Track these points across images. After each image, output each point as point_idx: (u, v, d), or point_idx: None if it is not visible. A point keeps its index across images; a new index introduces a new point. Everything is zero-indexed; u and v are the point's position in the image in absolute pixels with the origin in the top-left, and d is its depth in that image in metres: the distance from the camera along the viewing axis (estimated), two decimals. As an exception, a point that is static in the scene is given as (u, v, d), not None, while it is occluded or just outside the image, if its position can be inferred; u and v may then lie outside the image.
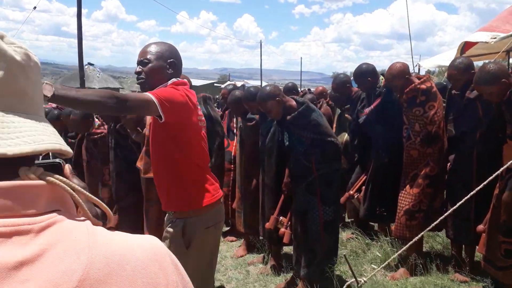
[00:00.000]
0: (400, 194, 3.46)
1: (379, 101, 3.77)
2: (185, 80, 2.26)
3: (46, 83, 1.60)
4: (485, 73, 2.83)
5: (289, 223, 3.40)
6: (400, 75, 3.38)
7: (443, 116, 3.38)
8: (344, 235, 4.42)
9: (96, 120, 4.27)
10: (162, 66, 2.15)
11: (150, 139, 2.24)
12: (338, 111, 4.76)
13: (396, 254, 2.79)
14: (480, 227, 2.98)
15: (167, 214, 2.29)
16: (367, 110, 3.85)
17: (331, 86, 4.45)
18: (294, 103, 3.23)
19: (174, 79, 2.16)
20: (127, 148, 3.72)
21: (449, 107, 3.43)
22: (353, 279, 2.85)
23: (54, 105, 13.78)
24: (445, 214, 2.58)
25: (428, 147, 3.32)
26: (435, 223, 2.45)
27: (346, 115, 4.46)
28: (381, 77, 4.16)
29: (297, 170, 3.27)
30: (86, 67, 24.97)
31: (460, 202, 2.40)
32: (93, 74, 29.57)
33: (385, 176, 3.75)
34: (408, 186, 3.42)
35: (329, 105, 5.26)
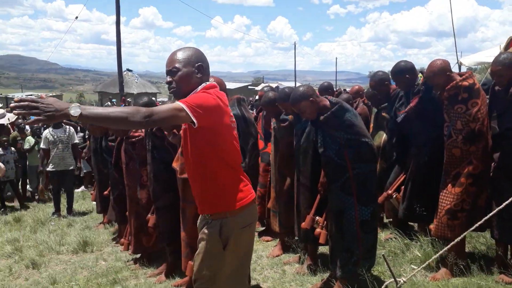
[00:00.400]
0: (441, 193, 3.36)
1: (418, 98, 3.68)
2: (215, 83, 2.28)
3: (73, 104, 1.68)
4: None
5: (325, 222, 3.37)
6: (441, 72, 3.29)
7: (487, 113, 3.26)
8: (382, 235, 4.34)
9: None
10: (191, 71, 2.17)
11: (183, 143, 2.28)
12: (375, 110, 4.68)
13: (437, 255, 2.70)
14: None
15: (201, 216, 2.31)
16: (405, 108, 3.77)
17: (368, 84, 4.37)
18: (327, 103, 3.21)
19: (204, 83, 2.18)
20: (163, 150, 3.80)
21: (493, 104, 3.31)
22: (392, 280, 2.79)
23: None
24: (490, 214, 2.48)
25: (472, 145, 3.22)
26: (479, 223, 2.37)
27: (383, 114, 4.38)
28: (420, 74, 4.06)
29: (331, 170, 3.24)
30: (124, 73, 25.69)
31: (506, 202, 2.30)
32: (132, 80, 30.37)
33: (425, 174, 3.65)
34: (450, 185, 3.31)
35: (365, 104, 5.19)
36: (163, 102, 3.62)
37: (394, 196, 3.91)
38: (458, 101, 3.23)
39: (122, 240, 4.71)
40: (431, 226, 3.46)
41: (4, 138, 7.80)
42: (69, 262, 4.68)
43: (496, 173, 3.29)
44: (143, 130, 4.07)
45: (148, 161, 3.90)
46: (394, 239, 4.05)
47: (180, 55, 2.19)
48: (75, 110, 1.68)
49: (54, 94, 39.73)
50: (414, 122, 3.69)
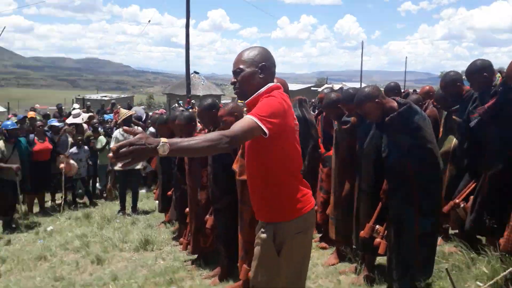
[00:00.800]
0: None
1: (495, 100, 3.35)
2: (279, 84, 2.26)
3: (162, 142, 1.71)
4: None
5: (385, 232, 3.18)
6: None
7: None
8: (446, 247, 4.02)
9: (199, 124, 4.43)
10: (254, 72, 2.17)
11: (246, 148, 2.27)
12: (445, 112, 4.35)
13: (507, 272, 2.42)
14: None
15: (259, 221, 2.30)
16: (480, 110, 3.43)
17: (439, 85, 4.06)
18: (395, 104, 3.02)
19: (268, 85, 2.18)
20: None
21: None
22: None
23: (163, 110, 14.57)
24: None
25: None
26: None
27: (454, 117, 4.04)
28: (498, 74, 3.70)
29: (394, 177, 3.06)
30: (192, 75, 26.48)
31: None
32: (198, 82, 31.24)
33: (498, 184, 3.31)
34: None
35: (435, 107, 4.85)
36: (226, 104, 3.69)
37: (462, 205, 3.59)
38: None
39: (181, 239, 4.79)
40: (501, 240, 3.14)
41: (79, 137, 8.26)
42: (130, 260, 4.82)
43: None
44: (205, 130, 4.12)
45: (209, 162, 3.92)
46: (459, 252, 3.73)
47: (245, 56, 2.21)
48: (163, 149, 1.71)
49: (126, 95, 41.87)
50: (490, 127, 3.37)
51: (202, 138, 1.84)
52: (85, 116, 10.57)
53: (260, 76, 2.18)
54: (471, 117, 3.58)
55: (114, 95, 41.35)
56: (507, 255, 3.23)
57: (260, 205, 2.23)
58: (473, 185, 3.61)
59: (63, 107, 16.17)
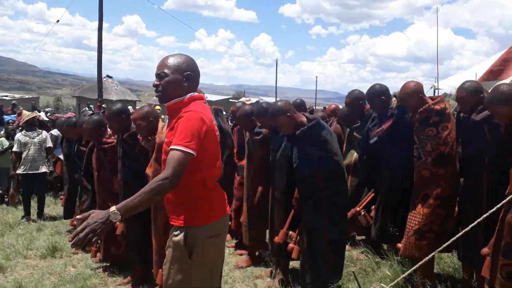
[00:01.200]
0: (410, 214, 3.43)
1: (391, 122, 3.79)
2: (202, 94, 2.32)
3: (111, 212, 1.86)
4: (498, 93, 2.83)
5: (298, 238, 3.42)
6: (414, 94, 3.38)
7: (456, 138, 3.38)
8: (354, 253, 4.41)
9: (109, 130, 4.33)
10: (178, 79, 2.20)
11: (164, 157, 2.25)
12: (348, 129, 4.79)
13: (406, 274, 2.78)
14: (485, 250, 2.95)
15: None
16: (378, 130, 3.87)
17: (344, 100, 4.45)
18: (304, 119, 3.29)
19: (190, 94, 2.22)
20: (133, 158, 3.78)
21: (458, 130, 3.41)
22: None
23: (71, 114, 13.74)
24: (455, 237, 2.57)
25: (440, 168, 3.30)
26: (445, 244, 2.45)
27: (355, 134, 4.49)
28: (394, 98, 4.18)
29: (305, 187, 3.29)
30: (104, 79, 25.45)
31: (468, 227, 2.37)
32: (111, 87, 30.08)
33: (398, 196, 3.72)
34: (419, 205, 3.39)
35: (338, 123, 5.31)
36: (141, 107, 3.59)
37: (362, 213, 3.98)
38: (429, 124, 3.31)
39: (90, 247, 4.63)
40: (399, 245, 3.53)
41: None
42: (37, 267, 4.58)
43: (461, 198, 3.40)
44: (115, 136, 4.05)
45: (119, 168, 3.86)
46: (365, 257, 4.12)
47: (171, 61, 2.22)
48: (115, 217, 1.86)
49: (31, 96, 38.91)
50: (387, 145, 3.77)
51: (146, 190, 1.94)
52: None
53: (184, 84, 2.20)
54: (370, 134, 4.01)
55: (17, 95, 38.23)
56: (406, 259, 3.65)
57: (174, 210, 2.26)
58: (372, 195, 4.03)
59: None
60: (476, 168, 3.20)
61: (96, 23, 21.80)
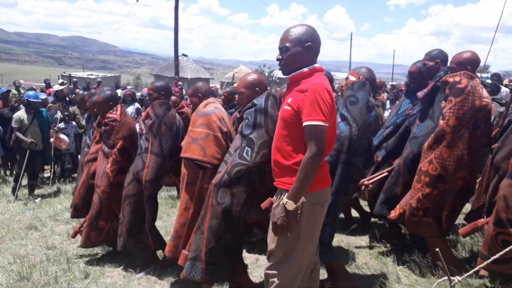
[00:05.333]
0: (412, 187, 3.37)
1: (432, 84, 3.54)
2: (321, 66, 2.34)
3: (283, 203, 2.17)
4: None
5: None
6: (466, 63, 3.24)
7: (465, 119, 3.10)
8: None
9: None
10: (300, 51, 2.25)
11: (281, 123, 2.31)
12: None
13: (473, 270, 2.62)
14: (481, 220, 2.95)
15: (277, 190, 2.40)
16: (418, 93, 3.61)
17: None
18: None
19: (313, 66, 2.27)
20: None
21: None
22: (446, 277, 2.73)
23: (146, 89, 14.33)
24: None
25: (434, 143, 3.19)
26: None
27: None
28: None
29: None
30: (180, 57, 26.33)
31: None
32: (187, 65, 31.05)
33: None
34: (415, 178, 3.32)
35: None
36: (216, 89, 3.63)
37: (369, 188, 3.73)
38: (444, 96, 3.21)
39: (76, 226, 4.43)
40: (392, 214, 3.49)
41: (66, 113, 8.28)
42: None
43: None
44: (118, 113, 4.03)
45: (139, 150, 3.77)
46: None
47: (292, 34, 2.26)
48: (291, 206, 2.16)
49: (113, 75, 41.35)
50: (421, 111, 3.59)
51: (302, 174, 2.13)
52: (57, 87, 10.72)
53: (305, 55, 2.25)
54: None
55: (101, 74, 40.84)
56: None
57: (283, 174, 2.29)
58: (385, 174, 3.83)
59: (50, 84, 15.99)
60: None
61: (173, 3, 22.47)
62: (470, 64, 3.23)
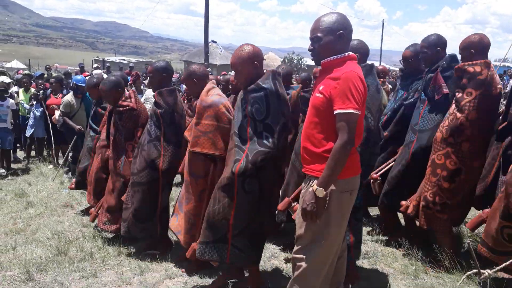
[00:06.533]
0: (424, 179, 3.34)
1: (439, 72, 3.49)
2: (354, 55, 2.33)
3: (313, 190, 2.18)
4: None
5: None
6: (472, 46, 3.16)
7: (485, 112, 3.03)
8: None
9: (126, 92, 4.13)
10: (331, 40, 2.25)
11: (312, 111, 2.33)
12: None
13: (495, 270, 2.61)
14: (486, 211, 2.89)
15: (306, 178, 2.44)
16: (438, 86, 3.46)
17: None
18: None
19: (343, 54, 2.27)
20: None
21: None
22: (475, 270, 2.76)
23: (176, 75, 14.32)
24: None
25: (450, 136, 3.10)
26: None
27: None
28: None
29: None
30: (210, 44, 26.41)
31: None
32: (216, 51, 31.14)
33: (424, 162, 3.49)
34: (428, 170, 3.27)
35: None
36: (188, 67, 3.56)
37: (378, 181, 3.77)
38: (460, 85, 3.10)
39: (92, 210, 4.46)
40: (403, 203, 3.50)
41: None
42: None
43: None
44: (133, 100, 4.02)
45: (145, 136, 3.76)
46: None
47: (323, 23, 2.26)
48: (321, 193, 2.17)
49: (144, 60, 41.96)
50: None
51: (333, 162, 2.15)
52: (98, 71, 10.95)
53: (337, 44, 2.25)
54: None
55: (133, 59, 41.51)
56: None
57: (313, 161, 2.31)
58: (391, 164, 3.81)
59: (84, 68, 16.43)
60: None
61: (204, -11, 22.50)
62: (474, 47, 3.12)
